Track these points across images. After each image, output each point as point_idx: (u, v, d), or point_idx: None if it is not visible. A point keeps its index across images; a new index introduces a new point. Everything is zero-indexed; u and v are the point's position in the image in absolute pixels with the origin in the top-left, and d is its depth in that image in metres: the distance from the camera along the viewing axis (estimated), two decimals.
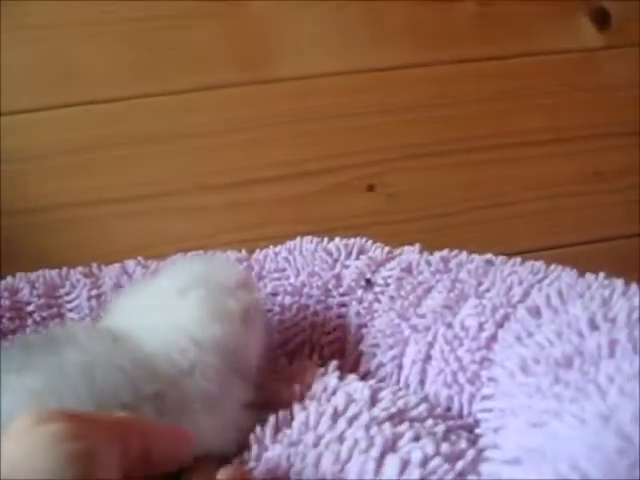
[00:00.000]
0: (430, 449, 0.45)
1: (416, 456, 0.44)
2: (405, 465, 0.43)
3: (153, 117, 0.86)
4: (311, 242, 0.69)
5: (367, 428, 0.47)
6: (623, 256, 0.96)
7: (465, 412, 0.57)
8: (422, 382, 0.60)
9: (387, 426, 0.47)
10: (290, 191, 0.91)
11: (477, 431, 0.54)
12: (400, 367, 0.61)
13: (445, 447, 0.46)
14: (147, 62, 0.84)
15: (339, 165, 0.92)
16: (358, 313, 0.64)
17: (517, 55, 0.95)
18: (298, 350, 0.64)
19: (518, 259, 0.66)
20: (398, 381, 0.61)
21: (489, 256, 0.67)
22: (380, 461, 0.44)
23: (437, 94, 0.93)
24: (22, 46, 0.81)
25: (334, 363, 0.59)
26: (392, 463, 0.43)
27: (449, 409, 0.58)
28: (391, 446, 0.45)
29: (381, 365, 0.62)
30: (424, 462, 0.43)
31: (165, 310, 0.51)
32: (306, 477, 0.43)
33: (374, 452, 0.44)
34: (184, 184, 0.87)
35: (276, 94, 0.88)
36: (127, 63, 0.84)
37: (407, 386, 0.60)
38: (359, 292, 0.65)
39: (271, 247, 0.70)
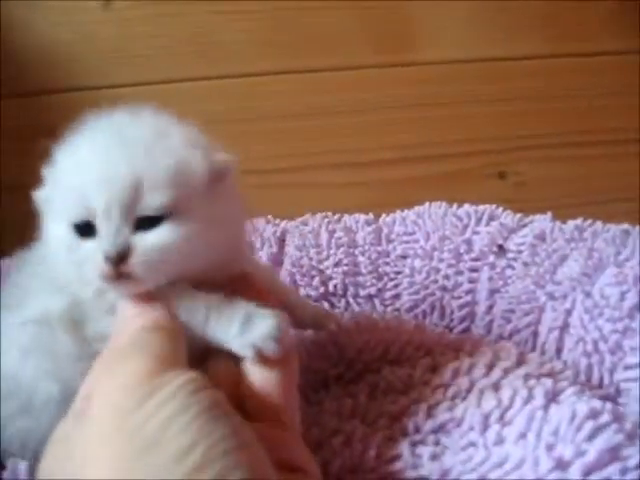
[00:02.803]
0: (597, 404, 0.43)
1: (582, 409, 0.42)
2: (573, 416, 0.42)
3: (288, 94, 0.87)
4: (440, 207, 0.68)
5: (525, 379, 0.46)
6: None
7: (606, 382, 0.55)
8: (559, 350, 0.59)
9: (546, 380, 0.46)
10: (418, 173, 0.91)
11: (620, 400, 0.53)
12: (535, 334, 0.60)
13: (608, 405, 0.44)
14: (286, 40, 0.85)
15: (469, 151, 0.91)
16: (491, 278, 0.63)
17: None
18: (428, 313, 0.63)
19: None
20: (534, 348, 0.59)
21: (625, 226, 0.65)
22: (546, 410, 0.42)
23: (570, 85, 0.91)
24: (171, 21, 0.83)
25: None
26: (559, 413, 0.42)
27: (588, 379, 0.56)
28: (552, 398, 0.44)
29: (515, 331, 0.60)
30: (593, 415, 0.42)
31: None
32: (469, 416, 0.42)
33: (538, 401, 0.43)
34: (315, 160, 0.88)
35: (408, 78, 0.88)
36: (266, 40, 0.85)
37: (543, 353, 0.59)
38: (491, 257, 0.64)
39: (398, 212, 0.69)
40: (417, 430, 0.42)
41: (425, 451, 0.40)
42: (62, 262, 0.39)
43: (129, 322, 0.36)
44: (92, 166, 0.37)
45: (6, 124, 0.82)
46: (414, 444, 0.41)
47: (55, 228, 0.39)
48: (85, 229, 0.37)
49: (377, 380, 0.48)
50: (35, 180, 0.40)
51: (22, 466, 0.41)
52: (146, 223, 0.37)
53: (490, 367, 0.48)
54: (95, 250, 0.36)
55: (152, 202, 0.36)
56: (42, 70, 0.82)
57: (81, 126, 0.40)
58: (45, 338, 0.40)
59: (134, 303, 0.37)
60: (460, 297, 0.63)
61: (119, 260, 0.36)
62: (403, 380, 0.47)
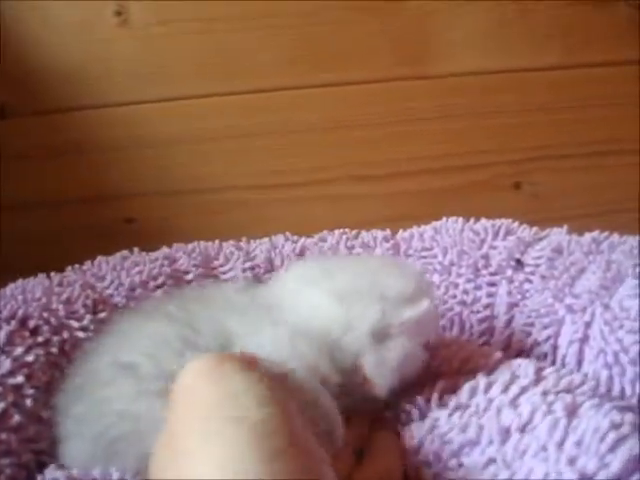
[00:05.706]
0: (616, 416, 0.43)
1: (603, 420, 0.42)
2: (596, 430, 0.42)
3: (308, 108, 0.88)
4: (456, 222, 0.68)
5: (544, 394, 0.46)
6: None
7: (628, 393, 0.55)
8: (579, 362, 0.59)
9: (564, 395, 0.46)
10: (433, 185, 0.92)
11: None
12: (555, 347, 0.60)
13: (629, 417, 0.44)
14: (306, 55, 0.87)
15: (485, 162, 0.92)
16: (509, 292, 0.63)
17: None
18: (447, 328, 0.64)
19: None
20: (554, 361, 0.60)
21: None
22: (568, 423, 0.42)
23: (585, 95, 0.91)
24: (191, 37, 0.85)
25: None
26: (581, 425, 0.42)
27: (609, 390, 0.56)
28: (572, 411, 0.44)
29: (536, 344, 0.60)
30: (615, 426, 0.42)
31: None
32: (486, 431, 0.43)
33: (558, 414, 0.43)
34: (334, 174, 0.90)
35: (423, 90, 0.89)
36: (287, 55, 0.86)
37: (564, 366, 0.59)
38: (509, 272, 0.64)
39: (415, 227, 0.70)
40: (439, 460, 0.43)
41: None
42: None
43: None
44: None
45: (14, 143, 0.84)
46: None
47: None
48: None
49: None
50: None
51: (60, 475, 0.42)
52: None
53: (507, 385, 0.49)
54: None
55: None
56: (55, 89, 0.83)
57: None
58: None
59: None
60: (479, 311, 0.64)
61: None
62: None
